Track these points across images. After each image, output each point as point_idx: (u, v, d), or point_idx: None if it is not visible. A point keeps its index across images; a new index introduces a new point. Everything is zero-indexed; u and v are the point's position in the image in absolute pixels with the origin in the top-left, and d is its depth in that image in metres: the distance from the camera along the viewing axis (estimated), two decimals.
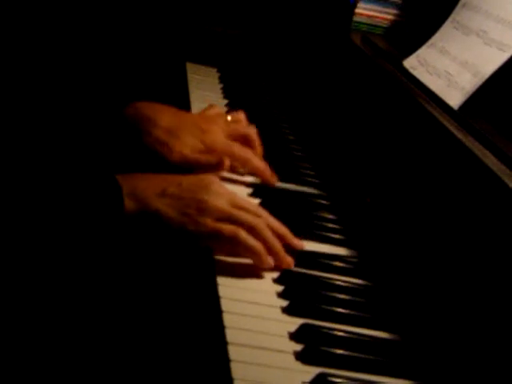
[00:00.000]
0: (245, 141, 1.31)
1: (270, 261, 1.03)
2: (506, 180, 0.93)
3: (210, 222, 1.03)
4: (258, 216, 1.07)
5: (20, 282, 1.01)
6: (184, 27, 1.90)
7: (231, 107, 1.60)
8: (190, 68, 1.79)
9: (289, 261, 1.05)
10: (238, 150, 1.27)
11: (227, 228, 1.02)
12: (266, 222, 1.07)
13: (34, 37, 1.48)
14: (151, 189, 1.04)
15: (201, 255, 1.05)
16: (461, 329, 0.94)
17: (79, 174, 1.03)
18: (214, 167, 1.23)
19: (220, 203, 1.04)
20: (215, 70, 1.84)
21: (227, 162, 1.23)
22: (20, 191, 0.97)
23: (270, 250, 1.04)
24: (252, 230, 1.04)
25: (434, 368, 0.92)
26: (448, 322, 0.97)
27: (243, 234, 1.02)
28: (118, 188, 1.01)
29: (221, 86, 1.75)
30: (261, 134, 1.50)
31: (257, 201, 1.21)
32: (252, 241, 1.03)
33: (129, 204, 1.01)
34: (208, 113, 1.36)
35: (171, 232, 1.03)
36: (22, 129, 1.20)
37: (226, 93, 1.70)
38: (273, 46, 1.96)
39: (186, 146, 1.25)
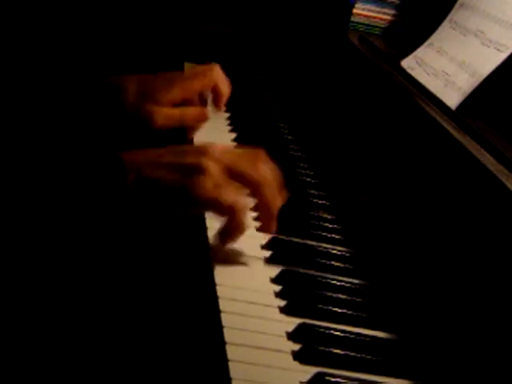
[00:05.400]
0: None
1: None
2: (504, 180, 0.94)
3: (209, 188, 0.99)
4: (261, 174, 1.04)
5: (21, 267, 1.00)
6: (182, 27, 1.90)
7: (229, 107, 1.60)
8: (189, 68, 1.78)
9: (273, 228, 1.06)
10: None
11: (224, 199, 1.00)
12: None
13: (31, 33, 1.48)
14: (148, 159, 1.02)
15: (199, 255, 1.05)
16: (460, 328, 0.94)
17: (78, 151, 1.01)
18: (198, 119, 1.28)
19: (220, 163, 1.01)
20: None
21: (206, 113, 1.27)
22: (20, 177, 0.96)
23: (265, 210, 1.05)
24: (255, 187, 1.03)
25: (432, 368, 0.92)
26: (447, 322, 0.97)
27: (238, 210, 1.00)
28: (120, 163, 1.00)
29: None
30: (259, 133, 1.50)
31: (255, 200, 1.21)
32: (242, 220, 1.01)
33: (129, 176, 0.99)
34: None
35: (170, 200, 1.01)
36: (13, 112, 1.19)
37: None
38: (271, 45, 1.96)
39: (162, 102, 1.25)
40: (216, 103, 1.33)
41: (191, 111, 1.27)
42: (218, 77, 1.32)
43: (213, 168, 1.01)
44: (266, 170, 1.04)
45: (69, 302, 1.07)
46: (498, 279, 0.90)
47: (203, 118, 1.28)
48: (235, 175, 1.02)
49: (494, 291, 0.90)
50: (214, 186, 1.00)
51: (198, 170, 1.00)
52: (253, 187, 1.03)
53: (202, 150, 1.03)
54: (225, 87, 1.32)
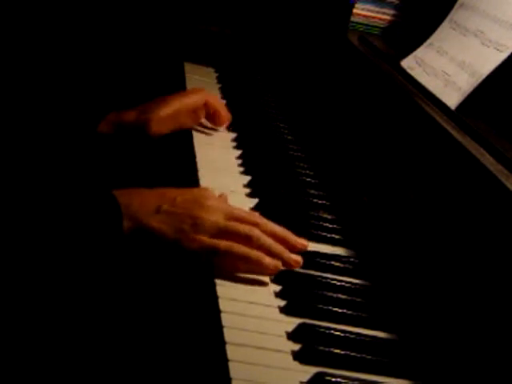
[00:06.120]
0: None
1: (274, 262, 1.02)
2: (504, 180, 0.94)
3: (205, 239, 1.02)
4: (255, 224, 1.05)
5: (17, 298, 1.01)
6: (182, 27, 1.90)
7: (229, 107, 1.60)
8: (188, 68, 1.79)
9: (295, 258, 1.05)
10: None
11: (222, 243, 1.01)
12: (265, 228, 1.06)
13: (32, 37, 1.48)
14: (146, 206, 1.03)
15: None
16: (459, 328, 0.94)
17: (77, 192, 1.02)
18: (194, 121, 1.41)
19: (215, 218, 1.03)
20: (213, 70, 1.85)
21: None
22: (16, 210, 0.97)
23: (272, 255, 1.03)
24: (249, 239, 1.03)
25: (431, 368, 0.92)
26: (446, 322, 0.97)
27: (238, 247, 1.01)
28: (116, 207, 1.01)
29: (219, 86, 1.75)
30: (259, 134, 1.50)
31: (255, 201, 1.21)
32: (248, 250, 1.02)
33: (125, 223, 1.01)
34: None
35: (167, 249, 1.02)
36: (15, 142, 1.21)
37: (224, 93, 1.70)
38: (270, 45, 1.96)
39: (160, 115, 1.35)
40: (214, 120, 1.46)
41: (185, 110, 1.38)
42: (209, 96, 1.44)
43: (210, 218, 1.03)
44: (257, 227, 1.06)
45: (69, 301, 1.07)
46: (498, 279, 0.90)
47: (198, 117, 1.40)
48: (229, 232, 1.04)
49: (493, 291, 0.90)
50: (210, 236, 1.02)
51: (194, 225, 1.02)
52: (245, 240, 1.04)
53: (201, 200, 1.05)
54: (220, 107, 1.45)
